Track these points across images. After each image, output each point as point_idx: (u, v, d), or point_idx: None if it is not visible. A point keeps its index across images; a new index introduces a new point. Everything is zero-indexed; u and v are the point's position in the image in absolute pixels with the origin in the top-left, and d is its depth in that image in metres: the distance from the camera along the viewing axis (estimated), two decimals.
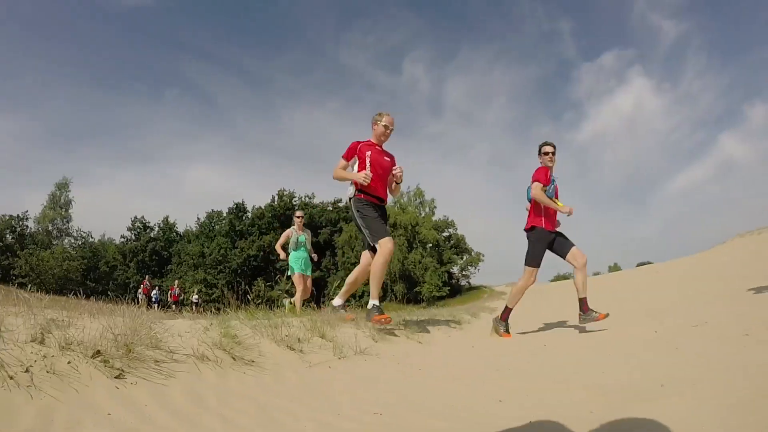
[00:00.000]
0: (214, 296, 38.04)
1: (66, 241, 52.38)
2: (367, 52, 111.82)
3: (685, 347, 3.53)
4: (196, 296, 20.86)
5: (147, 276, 22.12)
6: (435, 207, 46.83)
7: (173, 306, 20.33)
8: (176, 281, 22.40)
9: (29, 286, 39.09)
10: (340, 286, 5.99)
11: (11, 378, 2.03)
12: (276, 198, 48.35)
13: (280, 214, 46.75)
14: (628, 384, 2.70)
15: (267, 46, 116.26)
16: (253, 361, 3.10)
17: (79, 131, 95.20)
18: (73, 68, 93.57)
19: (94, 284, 47.46)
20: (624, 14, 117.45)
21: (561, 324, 7.21)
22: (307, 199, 49.97)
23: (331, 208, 49.86)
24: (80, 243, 52.33)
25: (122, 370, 2.41)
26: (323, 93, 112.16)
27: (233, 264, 44.19)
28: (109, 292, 45.06)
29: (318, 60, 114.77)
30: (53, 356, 2.29)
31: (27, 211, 50.88)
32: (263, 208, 48.09)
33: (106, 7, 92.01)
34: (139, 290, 22.67)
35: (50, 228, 51.44)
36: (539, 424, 2.17)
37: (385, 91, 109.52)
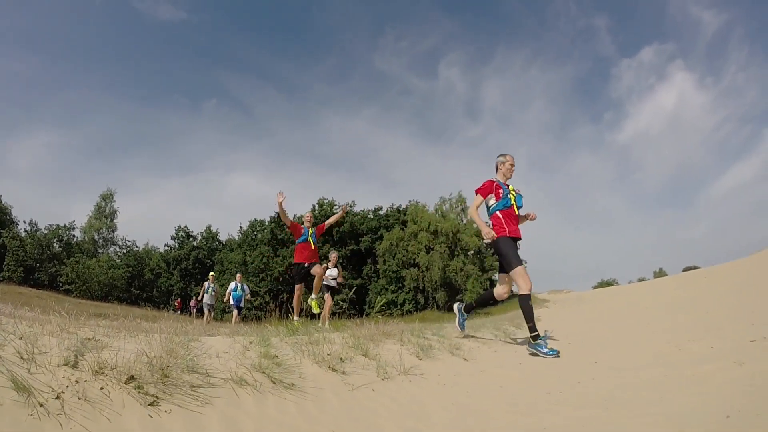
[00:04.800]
0: (256, 303, 38.36)
1: (111, 249, 54.17)
2: (402, 57, 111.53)
3: (748, 367, 3.17)
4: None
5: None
6: None
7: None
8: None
9: (74, 292, 40.56)
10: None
11: (41, 405, 1.91)
12: (316, 207, 48.61)
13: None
14: (691, 412, 2.40)
15: (302, 54, 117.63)
16: (293, 385, 2.92)
17: (122, 143, 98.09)
18: (115, 82, 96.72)
19: (138, 291, 48.78)
20: (661, 6, 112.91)
21: (607, 336, 6.79)
22: (347, 207, 50.23)
23: (371, 216, 49.79)
24: (125, 251, 53.95)
25: (157, 397, 2.27)
26: (360, 99, 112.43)
27: (275, 272, 44.60)
28: (153, 299, 46.27)
29: (353, 67, 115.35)
30: (86, 381, 2.17)
31: (74, 221, 52.98)
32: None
33: (144, 21, 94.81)
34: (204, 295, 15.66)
35: (96, 237, 53.25)
36: None
37: (421, 95, 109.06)
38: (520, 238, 5.41)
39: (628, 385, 3.34)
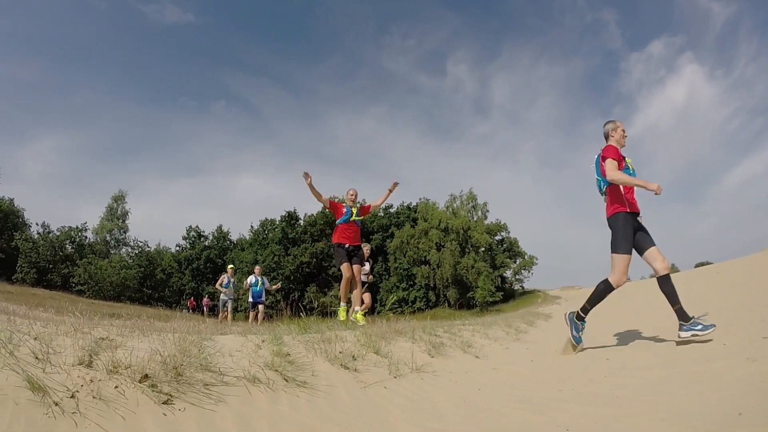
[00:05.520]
0: (268, 302, 38.64)
1: (123, 250, 54.63)
2: (409, 55, 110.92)
3: (760, 364, 3.12)
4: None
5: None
6: (487, 211, 46.15)
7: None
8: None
9: (87, 293, 40.93)
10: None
11: (56, 404, 1.92)
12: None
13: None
14: (702, 410, 2.36)
15: (308, 55, 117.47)
16: (305, 383, 2.93)
17: (133, 146, 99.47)
18: (123, 86, 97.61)
19: (150, 291, 49.17)
20: None
21: (618, 333, 6.73)
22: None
23: (382, 214, 49.84)
24: (137, 252, 54.44)
25: (170, 395, 2.28)
26: (367, 99, 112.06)
27: (286, 271, 44.82)
28: (166, 299, 46.57)
29: (359, 66, 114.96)
30: (100, 380, 2.18)
31: (86, 223, 53.53)
32: (315, 215, 48.55)
33: (151, 25, 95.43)
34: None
35: (108, 238, 53.75)
36: None
37: (429, 93, 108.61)
38: (639, 213, 4.74)
39: (638, 382, 3.31)
